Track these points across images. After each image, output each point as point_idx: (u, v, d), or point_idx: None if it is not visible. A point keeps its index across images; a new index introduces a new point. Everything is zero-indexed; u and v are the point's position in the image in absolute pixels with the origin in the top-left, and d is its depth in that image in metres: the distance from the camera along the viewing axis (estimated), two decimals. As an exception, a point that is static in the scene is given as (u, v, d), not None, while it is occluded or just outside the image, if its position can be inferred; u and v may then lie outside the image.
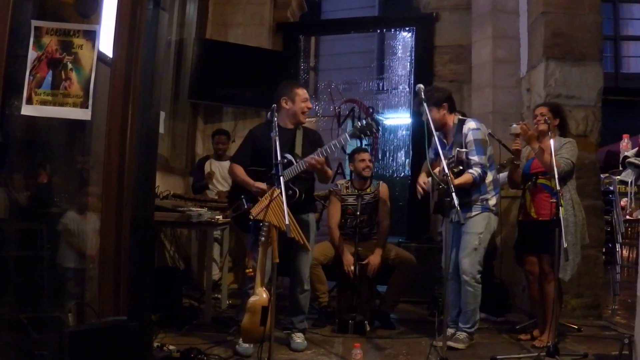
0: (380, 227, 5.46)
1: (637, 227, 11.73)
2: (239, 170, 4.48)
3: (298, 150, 4.53)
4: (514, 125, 4.78)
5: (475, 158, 4.50)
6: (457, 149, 4.42)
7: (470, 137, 4.53)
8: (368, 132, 4.39)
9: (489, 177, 4.64)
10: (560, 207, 4.13)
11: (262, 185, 4.29)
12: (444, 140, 4.74)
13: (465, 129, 4.57)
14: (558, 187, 4.20)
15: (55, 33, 3.47)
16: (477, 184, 4.53)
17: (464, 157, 4.41)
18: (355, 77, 9.74)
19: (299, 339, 4.53)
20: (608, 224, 7.01)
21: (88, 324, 3.54)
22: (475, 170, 4.46)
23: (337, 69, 11.66)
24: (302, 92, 4.60)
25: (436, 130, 4.57)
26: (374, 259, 5.22)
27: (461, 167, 4.46)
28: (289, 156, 4.36)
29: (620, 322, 5.73)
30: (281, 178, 3.70)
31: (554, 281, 4.34)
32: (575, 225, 4.61)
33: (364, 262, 5.22)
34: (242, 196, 4.42)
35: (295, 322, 4.59)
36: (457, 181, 4.31)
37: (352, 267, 5.15)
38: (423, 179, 4.72)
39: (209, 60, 7.27)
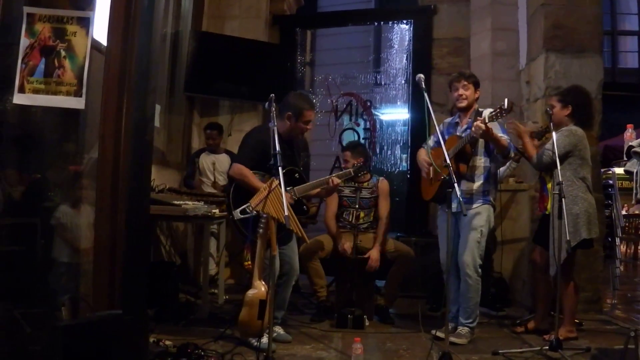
0: (379, 224, 5.37)
1: (635, 222, 11.72)
2: (252, 175, 4.28)
3: (298, 161, 4.57)
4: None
5: (504, 136, 4.50)
6: (507, 98, 4.25)
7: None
8: (360, 174, 4.85)
9: (492, 170, 4.62)
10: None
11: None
12: (459, 122, 4.75)
13: (486, 112, 4.44)
14: (548, 185, 4.15)
15: (48, 20, 3.40)
16: (507, 152, 4.53)
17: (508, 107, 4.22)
18: (353, 71, 9.67)
19: (281, 330, 4.46)
20: (607, 218, 6.96)
21: (82, 319, 3.48)
22: (509, 140, 4.48)
23: (334, 64, 11.55)
24: (309, 115, 4.47)
25: (464, 110, 4.69)
26: (374, 253, 5.15)
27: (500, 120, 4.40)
28: (299, 172, 4.46)
29: (621, 317, 5.69)
30: (280, 169, 3.61)
31: (561, 276, 4.30)
32: (561, 219, 4.30)
33: (365, 256, 5.14)
34: None
35: (279, 317, 4.51)
36: (497, 135, 4.37)
37: (348, 244, 5.11)
38: (424, 157, 4.75)
39: (205, 53, 7.18)
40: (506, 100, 4.16)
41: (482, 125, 4.19)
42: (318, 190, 4.55)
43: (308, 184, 4.42)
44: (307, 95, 4.73)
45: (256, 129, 4.72)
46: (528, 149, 4.67)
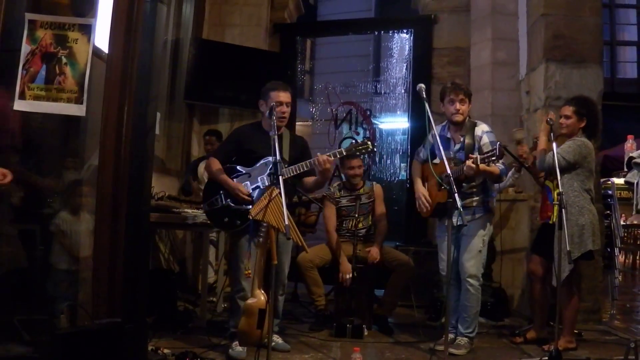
0: (377, 228, 5.41)
1: (634, 231, 11.72)
2: (218, 168, 4.31)
3: (285, 154, 4.41)
4: (514, 130, 4.73)
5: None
6: (499, 142, 4.24)
7: (485, 140, 4.47)
8: (364, 150, 4.35)
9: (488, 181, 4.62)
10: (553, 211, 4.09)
11: (246, 191, 4.23)
12: (451, 138, 4.66)
13: (478, 130, 4.52)
14: (554, 194, 4.13)
15: (49, 27, 3.39)
16: (499, 179, 4.58)
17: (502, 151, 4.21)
18: (353, 79, 9.69)
19: (279, 339, 4.46)
20: (606, 228, 6.96)
21: (81, 327, 3.46)
22: (501, 165, 4.43)
23: (334, 72, 11.58)
24: (274, 95, 4.30)
25: (456, 124, 4.58)
26: (374, 249, 5.18)
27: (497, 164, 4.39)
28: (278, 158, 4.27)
29: (620, 327, 5.68)
30: (280, 178, 3.59)
31: (565, 287, 4.28)
32: (561, 230, 4.25)
33: (367, 250, 5.18)
34: (221, 191, 4.30)
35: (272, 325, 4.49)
36: (489, 168, 4.31)
37: (349, 276, 5.06)
38: (424, 192, 4.65)
39: (205, 61, 7.19)
40: (498, 144, 4.17)
41: (473, 166, 4.18)
42: (312, 178, 4.44)
43: (295, 165, 4.29)
44: (281, 82, 4.58)
45: (240, 126, 4.77)
46: (542, 141, 4.64)
